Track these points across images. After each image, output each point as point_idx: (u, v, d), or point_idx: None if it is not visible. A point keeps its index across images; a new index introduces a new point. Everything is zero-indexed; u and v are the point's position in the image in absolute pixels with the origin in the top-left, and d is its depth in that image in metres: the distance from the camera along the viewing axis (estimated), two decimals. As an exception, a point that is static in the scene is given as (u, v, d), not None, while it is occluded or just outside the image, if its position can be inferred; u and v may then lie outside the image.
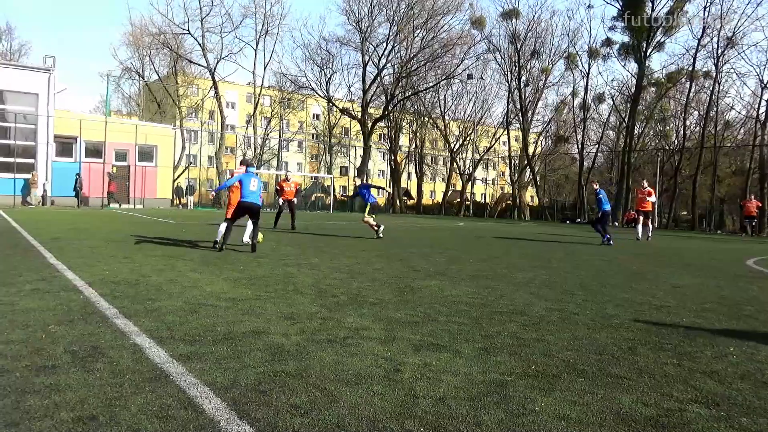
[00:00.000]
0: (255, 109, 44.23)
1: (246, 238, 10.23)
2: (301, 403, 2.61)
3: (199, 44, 39.37)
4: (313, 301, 5.06)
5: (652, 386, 3.03)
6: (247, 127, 49.72)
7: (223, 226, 9.83)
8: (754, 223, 26.71)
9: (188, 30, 39.69)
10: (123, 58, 73.86)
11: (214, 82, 39.95)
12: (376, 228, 13.38)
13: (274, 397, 2.66)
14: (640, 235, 16.94)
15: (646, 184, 17.82)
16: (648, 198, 17.05)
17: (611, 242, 13.87)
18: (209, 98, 44.01)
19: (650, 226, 17.89)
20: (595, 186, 15.08)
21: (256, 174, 10.18)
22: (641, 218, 17.16)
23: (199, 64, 41.97)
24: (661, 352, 3.76)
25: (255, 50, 42.03)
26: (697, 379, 3.20)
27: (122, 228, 13.87)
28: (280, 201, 15.82)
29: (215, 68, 39.92)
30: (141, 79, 45.61)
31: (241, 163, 10.62)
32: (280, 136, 51.17)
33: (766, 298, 6.31)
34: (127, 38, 45.06)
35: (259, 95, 43.15)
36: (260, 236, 10.58)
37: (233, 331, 3.85)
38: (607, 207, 14.57)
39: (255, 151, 45.91)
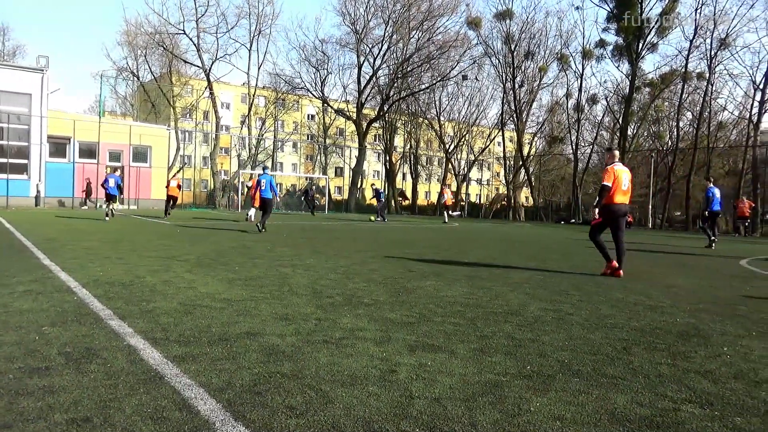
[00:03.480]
0: (249, 109, 44.16)
1: (255, 220, 15.23)
2: (297, 404, 2.61)
3: (194, 44, 39.29)
4: (308, 301, 5.05)
5: (646, 386, 3.05)
6: (241, 128, 49.66)
7: (252, 211, 16.62)
8: (746, 224, 26.86)
9: (183, 30, 39.63)
10: (117, 58, 73.52)
11: (209, 83, 39.87)
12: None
13: (270, 398, 2.66)
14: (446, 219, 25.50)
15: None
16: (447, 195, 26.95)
17: (385, 221, 18.76)
18: (204, 99, 43.92)
19: (446, 215, 26.08)
20: (375, 187, 24.56)
21: (270, 175, 15.05)
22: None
23: (194, 65, 41.90)
24: (655, 352, 3.77)
25: (249, 51, 41.96)
26: (691, 378, 3.21)
27: (116, 229, 13.82)
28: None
29: (210, 69, 39.84)
30: (136, 79, 45.46)
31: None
32: (274, 137, 51.12)
33: (760, 298, 6.34)
34: (122, 37, 44.93)
35: (253, 96, 43.09)
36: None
37: (228, 332, 3.84)
38: (383, 200, 20.07)
39: (249, 152, 45.83)
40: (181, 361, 3.14)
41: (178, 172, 41.43)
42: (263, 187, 14.68)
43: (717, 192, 14.80)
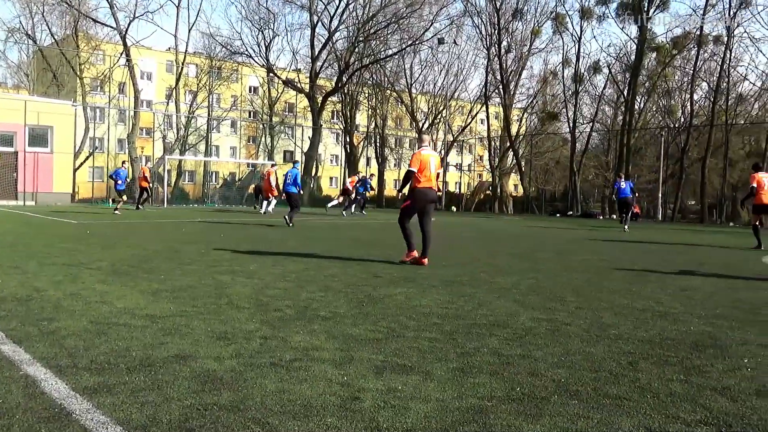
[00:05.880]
0: (177, 80, 43.45)
1: (285, 216, 17.11)
2: (238, 441, 2.59)
3: (107, 0, 38.44)
4: (251, 316, 5.03)
5: (655, 407, 3.13)
6: (167, 103, 48.83)
7: (273, 205, 23.91)
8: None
9: (91, -18, 38.72)
10: (7, 17, 71.42)
11: (126, 47, 39.07)
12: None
13: (205, 436, 2.63)
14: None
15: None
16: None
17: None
18: (119, 67, 43.00)
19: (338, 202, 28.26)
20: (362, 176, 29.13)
21: (297, 170, 18.21)
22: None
23: (105, 25, 41.06)
24: (666, 366, 3.88)
25: (177, 7, 41.28)
26: (706, 397, 3.32)
27: (11, 230, 13.46)
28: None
29: (127, 30, 39.05)
30: (32, 42, 44.21)
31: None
32: (209, 114, 50.49)
33: (785, 301, 6.57)
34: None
35: (182, 63, 42.42)
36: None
37: (152, 356, 3.80)
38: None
39: (177, 133, 45.13)
40: (93, 394, 3.09)
41: (87, 158, 40.62)
42: (288, 181, 17.62)
43: (623, 183, 20.41)
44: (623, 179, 21.24)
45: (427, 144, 9.36)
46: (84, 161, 42.15)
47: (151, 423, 2.75)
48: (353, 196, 27.23)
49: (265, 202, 25.49)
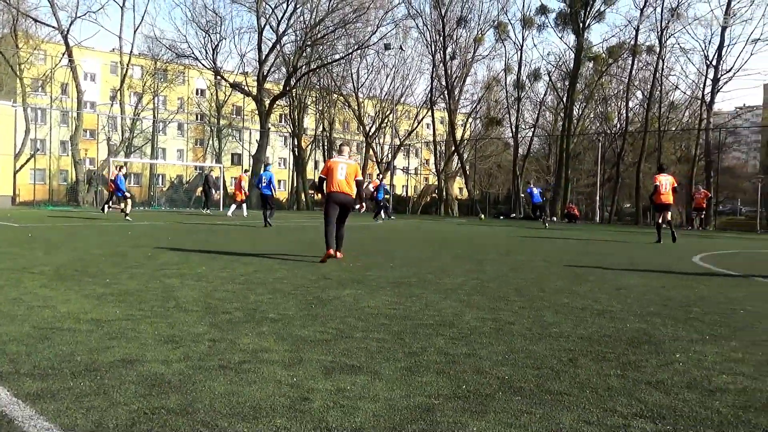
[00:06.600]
0: (122, 82, 42.36)
1: (267, 222, 18.20)
2: (187, 445, 2.56)
3: (47, -1, 37.23)
4: (200, 319, 4.97)
5: (594, 402, 3.23)
6: (111, 105, 47.54)
7: (233, 208, 24.48)
8: (702, 216, 28.93)
9: (31, -20, 37.44)
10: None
11: (68, 48, 37.88)
12: None
13: (153, 440, 2.59)
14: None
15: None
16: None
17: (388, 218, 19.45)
18: (61, 68, 41.67)
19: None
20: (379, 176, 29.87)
21: (271, 172, 19.59)
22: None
23: (46, 24, 39.68)
24: (603, 362, 4.01)
25: (122, 8, 40.23)
26: (642, 390, 3.44)
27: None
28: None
29: (69, 29, 37.84)
30: (-32, 41, 42.40)
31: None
32: (154, 117, 49.41)
33: (714, 298, 6.88)
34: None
35: (127, 65, 41.38)
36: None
37: (98, 360, 3.71)
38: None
39: (122, 136, 44.01)
40: (36, 400, 3.01)
41: (28, 160, 39.27)
42: (264, 184, 18.78)
43: (535, 190, 24.91)
44: (533, 186, 25.51)
45: (345, 154, 9.94)
46: (25, 163, 40.67)
47: (97, 428, 2.69)
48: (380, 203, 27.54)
49: (233, 206, 25.97)
